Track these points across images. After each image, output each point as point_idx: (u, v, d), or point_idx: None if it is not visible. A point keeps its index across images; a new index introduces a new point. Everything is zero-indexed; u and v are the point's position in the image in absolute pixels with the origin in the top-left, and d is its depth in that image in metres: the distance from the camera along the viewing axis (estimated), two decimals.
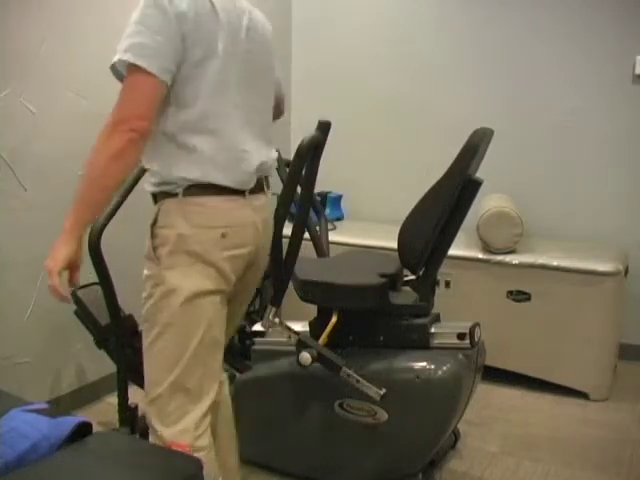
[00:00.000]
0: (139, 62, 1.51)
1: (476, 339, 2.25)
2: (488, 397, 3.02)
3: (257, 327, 2.49)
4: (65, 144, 2.76)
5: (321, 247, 2.96)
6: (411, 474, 2.28)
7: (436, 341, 2.27)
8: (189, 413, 1.70)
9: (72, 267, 1.63)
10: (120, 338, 2.53)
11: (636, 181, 3.52)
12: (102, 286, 2.43)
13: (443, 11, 3.84)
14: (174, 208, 1.65)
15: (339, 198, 4.05)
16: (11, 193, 2.58)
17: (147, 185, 1.72)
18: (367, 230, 3.68)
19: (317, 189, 2.38)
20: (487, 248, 3.24)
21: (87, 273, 2.54)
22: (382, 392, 2.11)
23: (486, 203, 3.30)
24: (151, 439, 1.75)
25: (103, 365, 2.89)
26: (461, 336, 2.25)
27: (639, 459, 2.62)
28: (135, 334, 2.65)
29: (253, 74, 1.74)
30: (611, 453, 2.66)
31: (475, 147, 2.15)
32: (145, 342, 1.73)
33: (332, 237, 3.21)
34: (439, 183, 2.19)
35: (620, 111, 3.49)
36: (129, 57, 1.52)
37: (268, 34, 1.83)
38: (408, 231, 2.26)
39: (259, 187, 1.78)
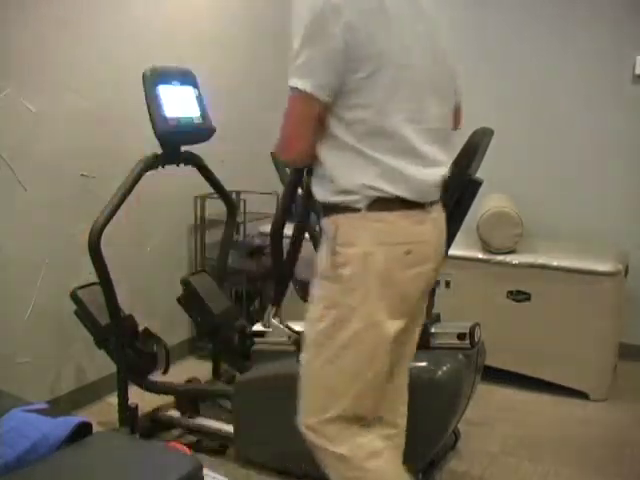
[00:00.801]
0: (297, 84, 1.53)
1: (476, 339, 2.25)
2: (488, 397, 3.02)
3: (257, 327, 2.48)
4: (65, 144, 2.76)
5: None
6: (411, 474, 2.28)
7: (436, 341, 2.27)
8: (358, 437, 1.63)
9: None
10: (120, 338, 2.53)
11: (636, 181, 3.52)
12: (102, 286, 2.43)
13: (443, 10, 3.83)
14: (357, 224, 1.56)
15: None
16: (11, 193, 2.58)
17: (321, 194, 1.63)
18: None
19: None
20: (487, 248, 3.24)
21: (87, 273, 2.55)
22: None
23: (486, 203, 3.30)
24: (323, 456, 1.67)
25: (103, 365, 2.89)
26: (461, 336, 2.25)
27: (639, 459, 2.62)
28: (135, 334, 2.65)
29: (430, 77, 1.63)
30: (611, 453, 2.66)
31: (475, 147, 2.15)
32: (309, 365, 1.65)
33: None
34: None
35: (620, 111, 3.49)
36: (294, 82, 1.54)
37: (438, 20, 1.71)
38: None
39: (436, 199, 1.67)
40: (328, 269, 1.58)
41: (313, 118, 1.55)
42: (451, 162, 1.73)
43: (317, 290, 1.62)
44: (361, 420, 1.64)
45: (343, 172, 1.57)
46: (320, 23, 1.48)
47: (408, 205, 1.57)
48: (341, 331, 1.57)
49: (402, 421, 1.85)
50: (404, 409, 1.86)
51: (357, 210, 1.55)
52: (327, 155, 1.59)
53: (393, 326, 1.59)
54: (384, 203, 1.55)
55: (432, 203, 1.64)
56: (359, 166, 1.55)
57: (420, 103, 1.59)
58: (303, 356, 1.69)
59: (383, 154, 1.54)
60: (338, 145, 1.57)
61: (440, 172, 1.64)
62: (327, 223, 1.61)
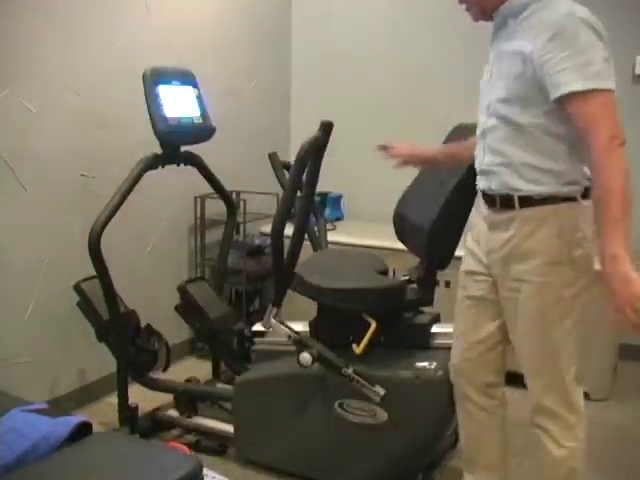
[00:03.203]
0: (609, 86, 1.74)
1: None
2: None
3: (257, 327, 2.49)
4: (65, 144, 2.76)
5: (320, 248, 2.96)
6: (411, 474, 2.29)
7: (436, 341, 2.28)
8: (581, 398, 1.91)
9: None
10: (120, 337, 2.53)
11: (636, 181, 3.51)
12: (102, 286, 2.43)
13: (442, 8, 3.83)
14: (575, 212, 1.75)
15: (339, 198, 4.05)
16: (11, 193, 2.58)
17: (534, 186, 1.75)
18: (367, 230, 3.68)
19: (317, 189, 2.38)
20: None
21: (87, 273, 2.55)
22: (382, 393, 2.11)
23: None
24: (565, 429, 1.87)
25: (103, 365, 2.89)
26: None
27: (639, 459, 2.62)
28: (137, 330, 2.64)
29: None
30: (611, 453, 2.66)
31: None
32: (551, 345, 1.83)
33: (332, 237, 3.21)
34: (462, 184, 2.13)
35: (620, 111, 3.48)
36: (601, 85, 1.72)
37: None
38: (440, 230, 2.19)
39: None
40: (563, 254, 1.75)
41: None
42: None
43: (544, 277, 1.77)
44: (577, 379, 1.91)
45: (565, 164, 1.74)
46: (596, 33, 1.69)
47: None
48: (577, 307, 1.80)
49: None
50: None
51: (574, 199, 1.75)
52: (550, 149, 1.73)
53: None
54: (587, 191, 1.75)
55: None
56: (575, 156, 1.74)
57: None
58: (536, 337, 1.85)
59: (581, 144, 1.72)
60: (557, 139, 1.73)
61: None
62: (539, 214, 1.76)
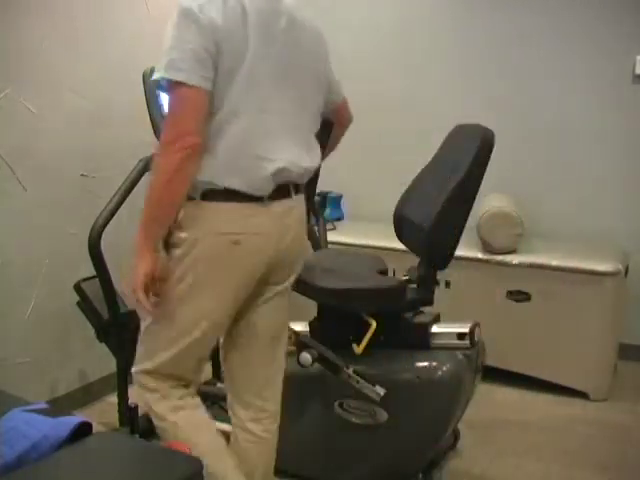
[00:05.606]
0: (180, 78, 1.53)
1: (476, 339, 2.25)
2: (488, 397, 3.02)
3: None
4: (65, 144, 2.76)
5: (320, 248, 2.96)
6: (411, 474, 2.29)
7: (436, 341, 2.27)
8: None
9: (154, 280, 1.71)
10: (120, 335, 2.53)
11: (636, 181, 3.52)
12: (102, 286, 2.43)
13: (442, 10, 3.84)
14: (190, 212, 1.65)
15: (339, 198, 4.05)
16: (11, 193, 2.58)
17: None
18: (367, 230, 3.68)
19: (317, 189, 2.38)
20: (487, 248, 3.24)
21: (87, 273, 2.55)
22: (382, 393, 2.11)
23: (486, 203, 3.30)
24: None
25: (103, 365, 2.89)
26: (461, 336, 2.25)
27: (639, 459, 2.62)
28: (138, 330, 2.65)
29: (290, 77, 1.71)
30: (611, 453, 2.66)
31: (490, 146, 2.13)
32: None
33: (332, 237, 3.21)
34: (463, 184, 2.12)
35: (620, 111, 3.49)
36: (171, 74, 1.54)
37: (314, 36, 1.87)
38: (440, 230, 2.18)
39: (283, 193, 1.72)
40: (162, 244, 1.77)
41: (205, 112, 1.62)
42: (310, 157, 1.83)
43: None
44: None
45: None
46: (190, 19, 1.66)
47: (240, 197, 1.67)
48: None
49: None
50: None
51: (192, 199, 1.66)
52: None
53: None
54: (216, 193, 1.65)
55: (275, 197, 1.72)
56: (203, 163, 1.63)
57: (276, 100, 1.73)
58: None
59: (220, 150, 1.64)
60: None
61: (274, 167, 1.71)
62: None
